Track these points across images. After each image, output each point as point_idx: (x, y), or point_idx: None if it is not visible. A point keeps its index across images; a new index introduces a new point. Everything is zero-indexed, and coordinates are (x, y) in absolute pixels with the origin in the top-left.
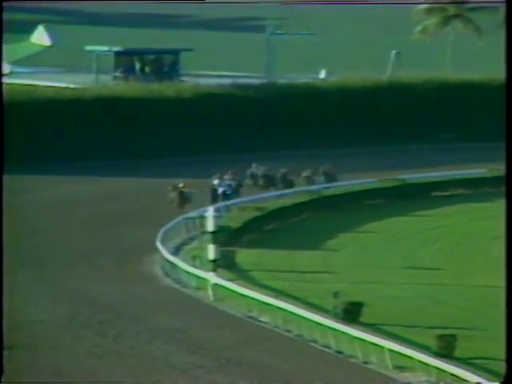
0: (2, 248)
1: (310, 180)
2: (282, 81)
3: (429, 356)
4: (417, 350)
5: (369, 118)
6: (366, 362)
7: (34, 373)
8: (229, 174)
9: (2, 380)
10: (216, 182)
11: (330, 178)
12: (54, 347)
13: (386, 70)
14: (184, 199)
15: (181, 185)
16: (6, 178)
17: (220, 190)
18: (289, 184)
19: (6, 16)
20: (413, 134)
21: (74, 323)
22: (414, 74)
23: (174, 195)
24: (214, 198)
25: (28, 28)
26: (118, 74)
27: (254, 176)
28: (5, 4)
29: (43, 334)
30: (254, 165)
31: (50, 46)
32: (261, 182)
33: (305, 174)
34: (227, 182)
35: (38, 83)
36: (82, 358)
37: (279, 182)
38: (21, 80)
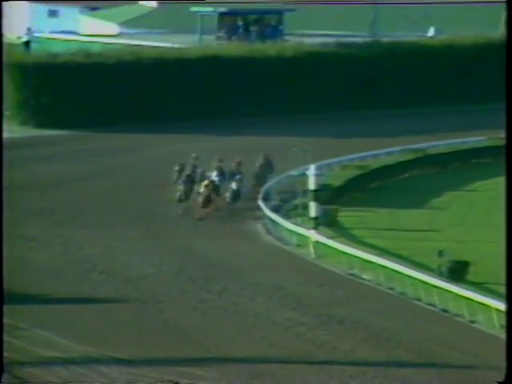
0: (2, 241)
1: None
2: (387, 39)
3: None
4: None
5: (479, 75)
6: (472, 322)
7: (140, 326)
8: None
9: (2, 380)
10: (215, 175)
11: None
12: (160, 301)
13: (498, 27)
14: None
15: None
16: (111, 136)
17: (233, 185)
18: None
19: None
20: None
21: (179, 278)
22: None
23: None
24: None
25: None
26: (221, 35)
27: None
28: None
29: (150, 289)
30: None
31: (156, 8)
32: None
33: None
34: (238, 176)
35: (145, 43)
36: (186, 312)
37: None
38: (128, 41)
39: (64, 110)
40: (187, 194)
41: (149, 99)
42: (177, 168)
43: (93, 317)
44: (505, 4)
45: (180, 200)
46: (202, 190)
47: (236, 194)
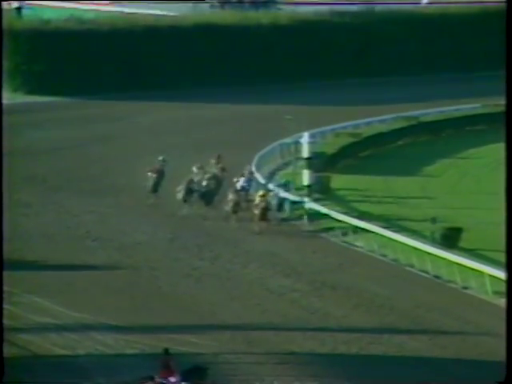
0: (2, 243)
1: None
2: (380, 7)
3: None
4: None
5: (473, 44)
6: (465, 288)
7: (134, 293)
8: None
9: (3, 380)
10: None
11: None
12: (154, 268)
13: None
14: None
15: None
16: (103, 104)
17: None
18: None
19: None
20: None
21: (172, 246)
22: None
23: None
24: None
25: None
26: (215, 3)
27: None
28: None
29: (144, 256)
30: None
31: None
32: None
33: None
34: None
35: (138, 11)
36: (180, 279)
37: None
38: (122, 8)
39: (56, 77)
40: (238, 205)
41: (141, 67)
42: (197, 167)
43: (87, 283)
44: (505, 4)
45: (233, 212)
46: (257, 200)
47: (282, 203)
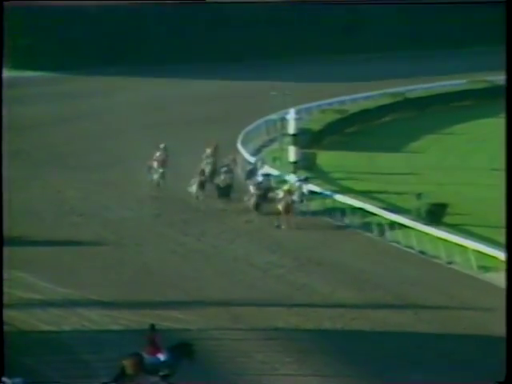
0: (2, 246)
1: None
2: None
3: None
4: (502, 251)
5: (459, 20)
6: (449, 263)
7: (120, 269)
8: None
9: (3, 380)
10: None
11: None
12: (139, 244)
13: None
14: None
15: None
16: (88, 79)
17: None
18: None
19: None
20: None
21: (158, 222)
22: None
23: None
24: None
25: None
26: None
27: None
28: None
29: (129, 232)
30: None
31: None
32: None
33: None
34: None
35: None
36: (166, 255)
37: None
38: None
39: (41, 52)
40: (261, 200)
41: (127, 42)
42: (205, 155)
43: (72, 259)
44: (505, 4)
45: (256, 207)
46: (280, 195)
47: (303, 196)
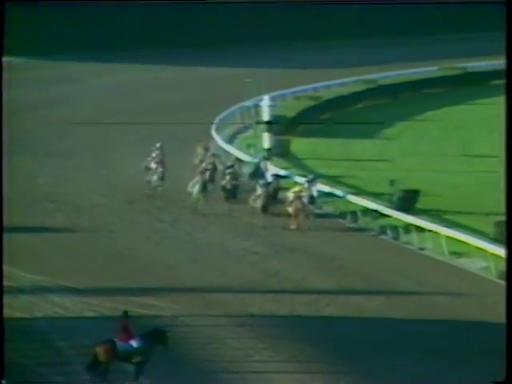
0: (2, 248)
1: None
2: None
3: (486, 242)
4: (474, 236)
5: (433, 7)
6: (421, 249)
7: (93, 256)
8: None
9: (3, 381)
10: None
11: None
12: (113, 231)
13: None
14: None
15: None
16: (62, 65)
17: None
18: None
19: None
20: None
21: (131, 208)
22: None
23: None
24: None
25: None
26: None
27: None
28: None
29: (102, 218)
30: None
31: None
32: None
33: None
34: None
35: None
36: (139, 242)
37: None
38: None
39: (12, 37)
40: (269, 201)
41: (101, 28)
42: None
43: (44, 246)
44: (505, 4)
45: (263, 209)
46: (291, 197)
47: (312, 198)
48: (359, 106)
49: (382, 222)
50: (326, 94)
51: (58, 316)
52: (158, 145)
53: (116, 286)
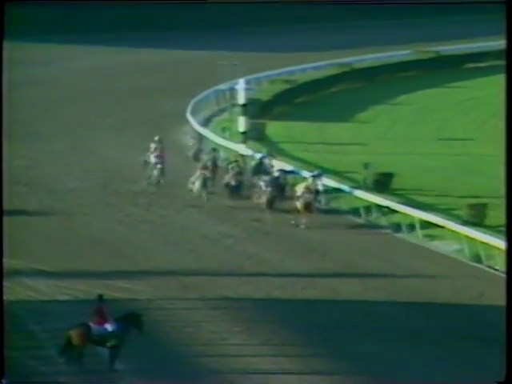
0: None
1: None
2: None
3: (459, 224)
4: (447, 219)
5: None
6: (396, 232)
7: (67, 239)
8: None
9: (3, 381)
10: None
11: None
12: (87, 214)
13: None
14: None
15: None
16: (36, 47)
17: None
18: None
19: None
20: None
21: (106, 192)
22: None
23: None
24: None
25: None
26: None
27: None
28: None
29: (76, 201)
30: None
31: None
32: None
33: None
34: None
35: None
36: (114, 225)
37: None
38: None
39: None
40: (275, 198)
41: (73, 10)
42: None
43: (17, 229)
44: (505, 4)
45: (269, 205)
46: (299, 192)
47: (318, 192)
48: (334, 89)
49: (356, 203)
50: (301, 78)
51: (32, 299)
52: (156, 138)
53: (91, 269)
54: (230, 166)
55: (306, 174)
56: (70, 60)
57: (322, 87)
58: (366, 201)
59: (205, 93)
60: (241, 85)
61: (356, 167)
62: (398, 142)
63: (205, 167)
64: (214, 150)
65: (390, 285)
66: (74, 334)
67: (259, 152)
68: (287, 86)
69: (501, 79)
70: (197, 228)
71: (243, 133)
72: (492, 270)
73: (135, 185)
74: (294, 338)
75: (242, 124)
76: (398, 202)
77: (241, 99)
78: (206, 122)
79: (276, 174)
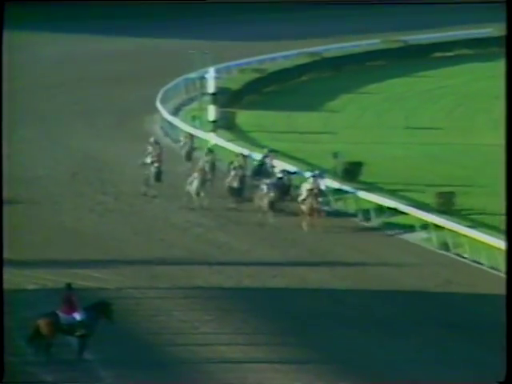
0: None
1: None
2: None
3: (428, 213)
4: (416, 208)
5: None
6: (366, 221)
7: (35, 228)
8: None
9: (3, 380)
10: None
11: None
12: (56, 203)
13: None
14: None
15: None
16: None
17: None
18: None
19: None
20: None
21: (75, 180)
22: None
23: None
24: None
25: None
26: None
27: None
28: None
29: (44, 190)
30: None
31: None
32: None
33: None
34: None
35: None
36: (83, 214)
37: None
38: None
39: None
40: (278, 199)
41: None
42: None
43: None
44: (505, 4)
45: (270, 207)
46: (304, 195)
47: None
48: (303, 78)
49: (324, 194)
50: (271, 67)
51: None
52: (151, 139)
53: (59, 258)
54: (231, 167)
55: (307, 174)
56: (40, 47)
57: (291, 76)
58: (338, 190)
59: (175, 81)
60: (211, 74)
61: (326, 156)
62: (367, 130)
63: (202, 170)
64: (211, 151)
65: (358, 273)
66: (42, 323)
67: (259, 153)
68: (257, 75)
69: (468, 68)
70: (166, 217)
71: (213, 122)
72: (460, 258)
73: (104, 173)
74: (265, 327)
75: (211, 113)
76: (367, 191)
77: (211, 88)
78: (175, 111)
79: (279, 175)
